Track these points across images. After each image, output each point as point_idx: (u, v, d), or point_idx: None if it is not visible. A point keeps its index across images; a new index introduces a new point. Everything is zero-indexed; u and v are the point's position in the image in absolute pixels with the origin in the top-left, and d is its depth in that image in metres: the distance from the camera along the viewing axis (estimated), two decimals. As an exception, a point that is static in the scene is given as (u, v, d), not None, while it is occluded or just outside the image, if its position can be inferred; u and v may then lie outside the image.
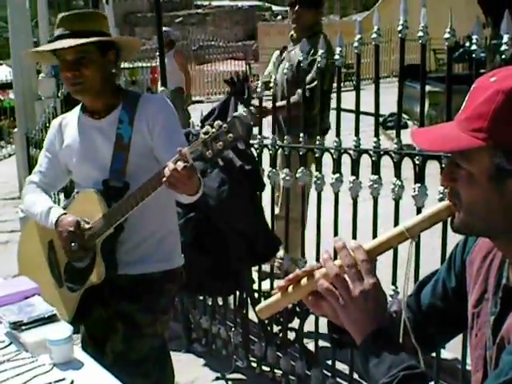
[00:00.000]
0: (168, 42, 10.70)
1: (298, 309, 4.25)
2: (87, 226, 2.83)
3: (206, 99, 20.07)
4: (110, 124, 2.91)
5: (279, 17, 34.61)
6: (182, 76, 11.30)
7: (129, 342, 2.97)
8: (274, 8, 36.84)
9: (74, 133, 3.01)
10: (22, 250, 3.38)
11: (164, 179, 2.47)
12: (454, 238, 1.68)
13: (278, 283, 4.06)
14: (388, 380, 1.39)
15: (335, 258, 1.52)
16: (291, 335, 4.36)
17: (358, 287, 1.46)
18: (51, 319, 2.53)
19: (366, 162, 3.42)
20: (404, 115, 10.62)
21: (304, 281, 1.61)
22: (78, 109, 3.06)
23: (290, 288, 1.63)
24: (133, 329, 2.97)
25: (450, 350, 3.86)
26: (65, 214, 2.91)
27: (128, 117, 2.87)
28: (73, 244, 2.82)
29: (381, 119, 7.12)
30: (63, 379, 2.17)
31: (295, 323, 4.30)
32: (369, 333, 1.45)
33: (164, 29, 10.85)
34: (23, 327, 2.46)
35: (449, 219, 1.51)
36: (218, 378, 4.39)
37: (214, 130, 2.39)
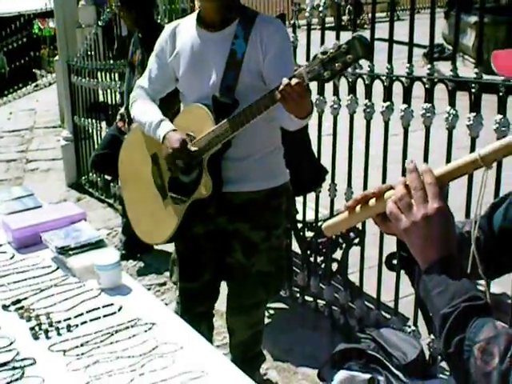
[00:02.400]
0: None
1: (341, 240, 4.21)
2: (193, 149, 2.84)
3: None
4: (224, 38, 2.87)
5: None
6: None
7: (248, 258, 3.06)
8: None
9: (186, 41, 2.97)
10: (125, 158, 3.37)
11: (277, 92, 2.48)
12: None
13: (322, 215, 4.02)
14: (449, 310, 1.34)
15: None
16: (334, 266, 4.33)
17: (421, 210, 1.40)
18: (98, 244, 2.52)
19: (414, 91, 3.32)
20: (449, 46, 10.40)
21: (372, 201, 1.56)
22: (193, 18, 3.01)
23: (358, 208, 1.58)
24: (250, 246, 3.05)
25: (499, 285, 3.80)
26: (174, 130, 2.91)
27: (244, 33, 2.84)
28: (177, 161, 2.87)
29: (425, 50, 6.95)
30: (111, 304, 2.17)
31: (338, 254, 4.26)
32: (432, 260, 1.40)
33: None
34: (70, 252, 2.45)
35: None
36: (260, 307, 4.39)
37: (332, 50, 2.38)
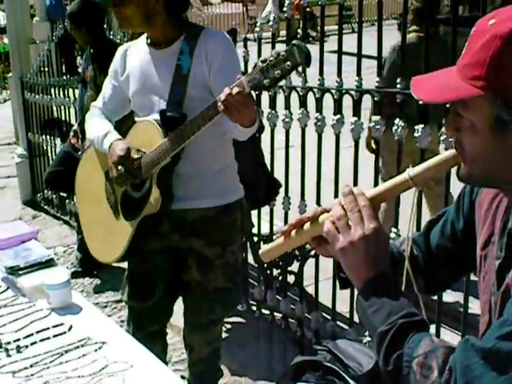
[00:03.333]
0: None
1: (297, 252, 4.23)
2: (136, 156, 2.84)
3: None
4: (170, 54, 2.88)
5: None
6: None
7: (204, 275, 3.04)
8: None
9: (136, 61, 3.00)
10: (80, 175, 3.36)
11: (219, 103, 2.47)
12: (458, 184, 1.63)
13: (277, 227, 4.05)
14: (386, 328, 1.36)
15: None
16: (290, 278, 4.35)
17: (359, 231, 1.43)
18: (48, 264, 2.50)
19: (364, 105, 3.36)
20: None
21: (307, 225, 1.60)
22: (143, 38, 3.04)
23: (293, 232, 1.62)
24: (205, 263, 3.02)
25: (452, 294, 3.86)
26: (120, 139, 2.92)
27: (189, 48, 2.85)
28: (119, 167, 2.84)
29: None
30: (61, 324, 2.16)
31: (295, 266, 4.28)
32: (368, 279, 1.42)
33: None
34: (20, 272, 2.43)
35: (455, 168, 1.46)
36: (217, 322, 4.38)
37: (271, 58, 2.37)
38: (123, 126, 3.19)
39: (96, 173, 3.16)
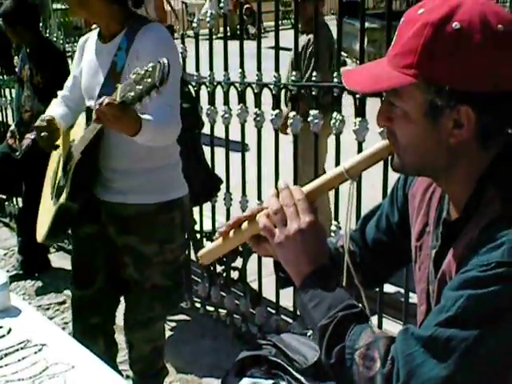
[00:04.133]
0: None
1: (240, 248, 4.24)
2: (47, 118, 2.89)
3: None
4: (110, 49, 2.85)
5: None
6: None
7: (141, 273, 3.02)
8: None
9: (88, 53, 3.00)
10: (51, 160, 3.34)
11: (93, 113, 2.43)
12: (394, 174, 1.65)
13: (219, 224, 4.04)
14: (327, 321, 1.37)
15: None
16: (234, 274, 4.35)
17: (294, 225, 1.43)
18: (-15, 267, 2.45)
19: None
20: (342, 53, 10.56)
21: (245, 225, 1.60)
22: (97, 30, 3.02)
23: (232, 233, 1.61)
24: (142, 261, 3.00)
25: (393, 284, 3.91)
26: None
27: (126, 44, 2.80)
28: (42, 134, 2.87)
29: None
30: (0, 327, 2.11)
31: (238, 262, 4.28)
32: (307, 273, 1.43)
33: None
34: (-44, 276, 2.37)
35: (389, 158, 1.48)
36: (162, 320, 4.36)
37: (140, 71, 2.28)
38: None
39: (55, 155, 3.19)
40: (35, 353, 1.97)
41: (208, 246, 1.71)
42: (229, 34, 3.91)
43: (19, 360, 1.94)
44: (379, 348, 1.30)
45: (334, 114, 3.19)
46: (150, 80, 2.23)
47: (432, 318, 1.28)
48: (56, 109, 3.09)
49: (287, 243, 1.44)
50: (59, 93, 3.23)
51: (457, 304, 1.23)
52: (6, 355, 1.97)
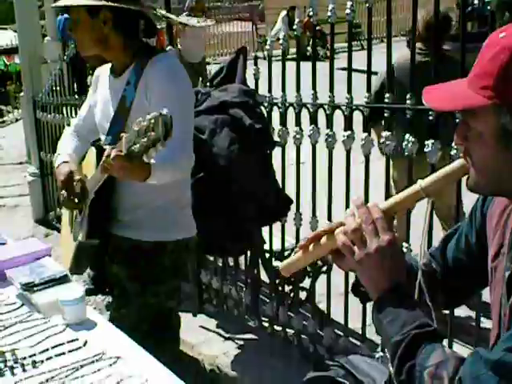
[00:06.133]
0: (201, 8, 10.16)
1: (309, 268, 4.24)
2: (77, 177, 2.80)
3: (213, 60, 19.91)
4: (121, 84, 2.85)
5: (285, -23, 34.28)
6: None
7: (119, 309, 2.97)
8: (280, -32, 36.48)
9: (101, 87, 3.02)
10: None
11: (100, 163, 2.44)
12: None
13: (289, 243, 4.05)
14: (400, 338, 1.39)
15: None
16: (302, 295, 4.35)
17: (374, 244, 1.45)
18: (63, 280, 2.53)
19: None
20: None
21: (324, 239, 1.63)
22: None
23: (311, 246, 1.64)
24: (123, 295, 2.96)
25: (464, 308, 3.85)
26: (66, 162, 2.91)
27: (135, 78, 2.79)
28: (62, 192, 2.83)
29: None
30: (76, 339, 2.17)
31: (306, 283, 4.28)
32: (384, 290, 1.44)
33: None
34: (35, 288, 2.45)
35: (465, 178, 1.48)
36: (229, 339, 4.39)
37: (144, 122, 2.20)
38: None
39: None
40: (110, 365, 2.01)
41: (288, 259, 1.75)
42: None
43: (94, 372, 1.98)
44: (448, 368, 1.31)
45: (407, 136, 3.18)
46: (153, 134, 2.15)
47: (502, 343, 1.28)
48: (68, 144, 3.09)
49: (367, 261, 1.45)
50: (72, 120, 3.26)
51: None
52: (81, 366, 2.01)
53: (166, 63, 2.81)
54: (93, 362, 2.04)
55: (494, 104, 1.29)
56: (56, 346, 2.13)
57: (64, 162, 2.90)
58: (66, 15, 10.08)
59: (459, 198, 3.13)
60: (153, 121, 2.15)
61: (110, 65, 3.01)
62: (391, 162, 3.47)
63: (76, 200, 2.82)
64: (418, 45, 4.48)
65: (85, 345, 2.14)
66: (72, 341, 2.16)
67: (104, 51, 2.86)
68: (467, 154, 1.42)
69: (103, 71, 3.06)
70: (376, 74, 3.88)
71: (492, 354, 1.28)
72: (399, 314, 1.41)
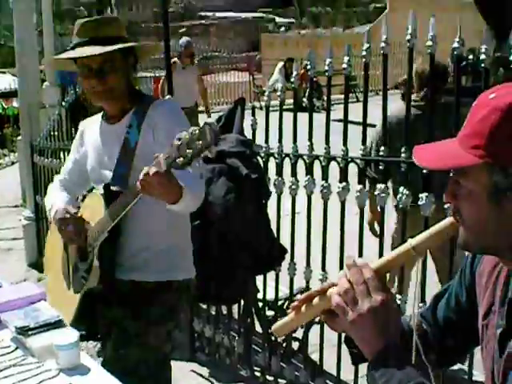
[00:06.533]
0: (189, 54, 10.42)
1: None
2: (73, 210, 2.85)
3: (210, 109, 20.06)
4: (121, 128, 2.89)
5: (282, 28, 34.74)
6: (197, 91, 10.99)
7: (117, 350, 2.92)
8: (278, 19, 36.96)
9: (91, 137, 3.04)
10: (47, 247, 3.40)
11: (137, 183, 2.45)
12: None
13: (283, 293, 4.04)
14: None
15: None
16: (295, 345, 4.34)
17: (366, 304, 1.45)
18: (57, 324, 2.53)
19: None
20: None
21: (316, 300, 1.64)
22: (100, 114, 3.07)
23: (303, 307, 1.66)
24: (123, 336, 2.91)
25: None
26: (65, 207, 2.92)
27: (137, 121, 2.85)
28: (63, 227, 2.85)
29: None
30: (70, 384, 2.17)
31: (299, 333, 4.28)
32: (378, 350, 1.44)
33: (185, 39, 10.73)
34: (29, 332, 2.45)
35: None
36: (221, 388, 4.37)
37: (186, 135, 2.28)
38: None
39: (57, 244, 3.18)
40: (103, 411, 2.01)
41: (281, 320, 1.75)
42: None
43: (87, 417, 1.98)
44: None
45: (401, 189, 3.22)
46: (201, 142, 2.23)
47: None
48: (59, 194, 3.10)
49: (360, 321, 1.46)
50: (56, 177, 3.27)
51: None
52: (74, 412, 2.01)
53: (170, 106, 3.01)
54: (86, 407, 2.04)
55: (486, 163, 1.33)
56: (49, 391, 2.13)
57: (59, 208, 2.94)
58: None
59: (452, 253, 3.15)
60: (197, 131, 2.24)
61: (97, 116, 3.07)
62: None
63: (78, 234, 2.85)
64: (413, 97, 4.50)
65: (78, 390, 2.14)
66: (65, 386, 2.16)
67: (113, 99, 2.88)
68: (457, 211, 1.45)
69: (88, 124, 3.12)
70: (372, 126, 3.92)
71: None
72: (393, 374, 1.41)
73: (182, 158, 2.28)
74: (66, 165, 3.23)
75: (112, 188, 2.84)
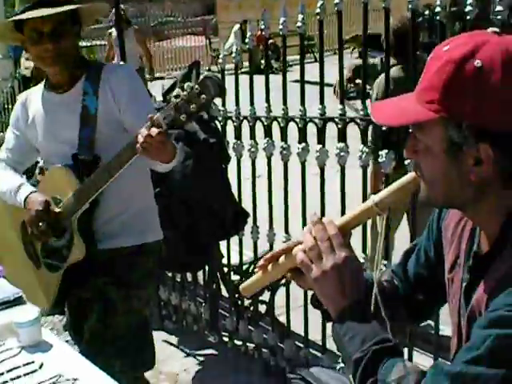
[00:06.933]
0: (125, 20, 10.51)
1: (268, 281, 4.22)
2: (57, 210, 2.76)
3: (167, 75, 19.83)
4: (74, 96, 2.82)
5: (237, -10, 34.45)
6: (140, 55, 11.17)
7: (104, 320, 2.88)
8: (232, -18, 36.65)
9: (38, 109, 2.92)
10: None
11: (138, 146, 2.40)
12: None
13: (247, 257, 4.02)
14: (361, 355, 1.39)
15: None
16: (262, 308, 4.35)
17: (330, 261, 1.45)
18: (17, 301, 2.48)
19: (330, 133, 3.39)
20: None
21: (282, 258, 1.64)
22: (41, 85, 2.97)
23: (270, 266, 1.65)
24: (107, 305, 2.88)
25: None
26: (34, 191, 2.84)
27: (92, 88, 2.78)
28: (41, 224, 2.74)
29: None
30: (32, 362, 2.13)
31: (266, 296, 4.28)
32: (342, 307, 1.44)
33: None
34: (-12, 311, 2.40)
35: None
36: (189, 355, 4.37)
37: (185, 92, 2.30)
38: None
39: (10, 226, 3.10)
40: (67, 387, 1.98)
41: (249, 279, 1.76)
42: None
43: (51, 395, 1.95)
44: (410, 382, 1.31)
45: (360, 147, 3.20)
46: (205, 96, 2.27)
47: (462, 355, 1.28)
48: (14, 177, 2.98)
49: (324, 278, 1.45)
50: None
51: (485, 343, 1.23)
52: (38, 390, 1.98)
53: (127, 68, 3.03)
54: (49, 384, 2.00)
55: (441, 117, 1.30)
56: (11, 370, 2.08)
57: (33, 191, 2.84)
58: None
59: (414, 209, 3.15)
60: (197, 86, 2.27)
61: (37, 87, 2.99)
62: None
63: (54, 230, 2.77)
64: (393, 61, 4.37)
65: (41, 367, 2.10)
66: (28, 364, 2.11)
67: (65, 64, 2.79)
68: (417, 167, 1.43)
69: (29, 96, 3.01)
70: (329, 85, 3.87)
71: (452, 367, 1.28)
72: (358, 330, 1.41)
73: (184, 115, 2.31)
74: (7, 142, 3.06)
75: (80, 157, 2.76)
